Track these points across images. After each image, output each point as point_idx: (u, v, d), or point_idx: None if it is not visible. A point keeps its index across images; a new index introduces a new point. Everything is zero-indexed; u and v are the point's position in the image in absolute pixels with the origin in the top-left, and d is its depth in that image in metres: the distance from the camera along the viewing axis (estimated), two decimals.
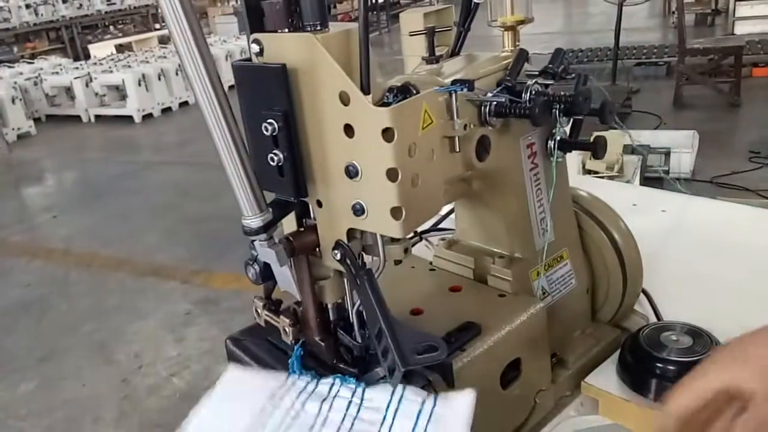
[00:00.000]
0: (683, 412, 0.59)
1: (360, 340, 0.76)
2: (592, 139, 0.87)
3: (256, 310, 0.81)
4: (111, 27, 14.34)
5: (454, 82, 0.74)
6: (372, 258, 0.72)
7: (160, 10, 0.57)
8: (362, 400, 0.70)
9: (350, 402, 0.70)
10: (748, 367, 0.57)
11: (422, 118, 0.64)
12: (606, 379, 0.89)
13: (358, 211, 0.66)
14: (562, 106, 0.81)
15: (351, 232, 0.70)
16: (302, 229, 0.74)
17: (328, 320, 0.77)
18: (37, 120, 8.65)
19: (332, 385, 0.73)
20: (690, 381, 0.60)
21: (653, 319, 1.05)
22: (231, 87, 0.70)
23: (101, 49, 11.80)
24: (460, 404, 0.67)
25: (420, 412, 0.67)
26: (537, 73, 0.85)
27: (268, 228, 0.67)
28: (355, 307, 0.75)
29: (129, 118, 8.28)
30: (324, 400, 0.71)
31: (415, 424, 0.66)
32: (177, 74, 8.52)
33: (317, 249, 0.73)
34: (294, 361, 0.77)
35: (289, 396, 0.72)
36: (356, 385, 0.72)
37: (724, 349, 0.61)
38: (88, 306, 3.81)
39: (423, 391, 0.70)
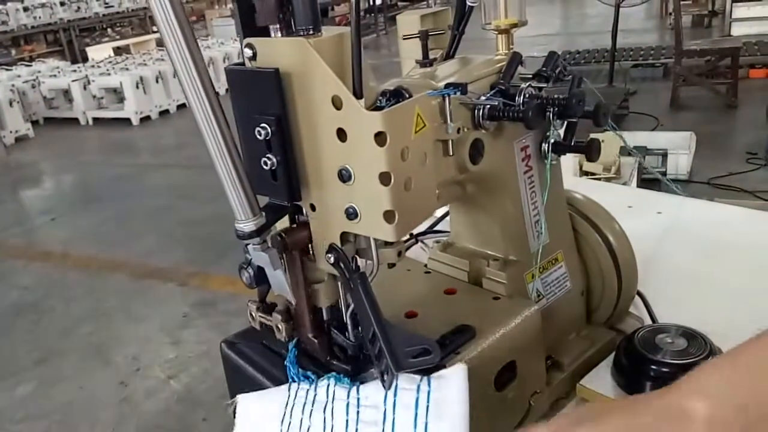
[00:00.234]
0: None
1: (354, 340, 0.76)
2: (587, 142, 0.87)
3: (251, 314, 0.81)
4: (109, 30, 14.32)
5: (447, 86, 0.74)
6: (366, 261, 0.72)
7: (151, 15, 0.57)
8: (358, 399, 0.70)
9: (348, 404, 0.71)
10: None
11: (415, 121, 0.64)
12: (601, 381, 0.90)
13: (351, 214, 0.66)
14: (556, 109, 0.81)
15: (344, 236, 0.70)
16: (294, 225, 0.74)
17: (322, 320, 0.77)
18: (34, 123, 8.65)
19: (328, 386, 0.73)
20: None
21: (648, 321, 1.06)
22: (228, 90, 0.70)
23: (99, 52, 11.82)
24: (455, 383, 0.67)
25: (417, 399, 0.67)
26: (531, 76, 0.86)
27: (261, 232, 0.67)
28: (349, 310, 0.75)
29: (127, 121, 8.28)
30: (325, 407, 0.71)
31: (416, 413, 0.66)
32: (175, 77, 8.44)
33: (310, 246, 0.73)
34: (290, 365, 0.77)
35: (296, 413, 0.73)
36: (350, 384, 0.72)
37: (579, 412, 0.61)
38: (85, 308, 3.81)
39: (415, 375, 0.69)
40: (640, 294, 1.07)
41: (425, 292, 0.95)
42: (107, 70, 9.03)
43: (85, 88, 8.60)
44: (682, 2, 6.78)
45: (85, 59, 11.72)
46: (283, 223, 0.75)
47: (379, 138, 0.61)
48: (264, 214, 0.67)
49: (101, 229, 5.04)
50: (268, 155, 0.66)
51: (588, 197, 1.02)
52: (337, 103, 0.62)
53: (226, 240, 3.90)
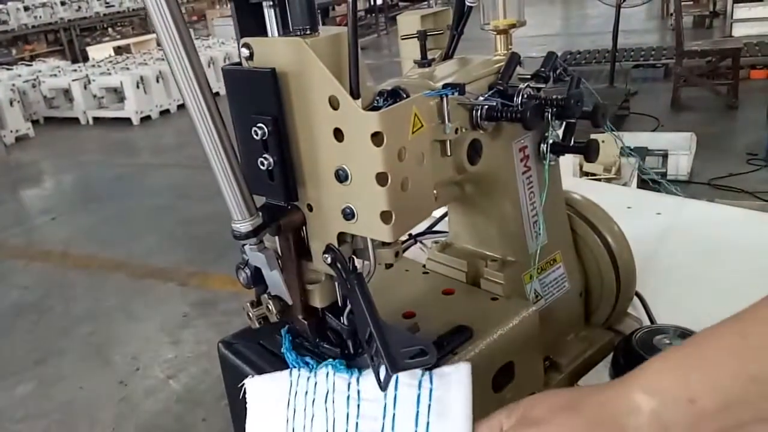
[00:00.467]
0: None
1: (347, 324, 0.75)
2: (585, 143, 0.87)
3: (248, 314, 0.81)
4: (109, 29, 14.33)
5: (445, 86, 0.74)
6: (363, 262, 0.72)
7: (148, 15, 0.57)
8: (359, 392, 0.70)
9: (348, 396, 0.70)
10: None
11: (412, 122, 0.64)
12: (599, 382, 0.89)
13: (348, 215, 0.66)
14: (554, 110, 0.81)
15: (341, 236, 0.69)
16: (288, 207, 0.73)
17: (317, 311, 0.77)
18: (35, 122, 8.66)
19: (327, 374, 0.73)
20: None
21: (647, 322, 1.05)
22: None
23: (100, 52, 11.83)
24: (458, 382, 0.66)
25: (419, 396, 0.67)
26: (529, 76, 0.85)
27: (258, 232, 0.66)
28: (346, 311, 0.74)
29: (127, 121, 8.28)
30: (326, 398, 0.71)
31: (417, 411, 0.66)
32: None
33: (303, 229, 0.72)
34: (287, 352, 0.77)
35: (299, 400, 0.73)
36: (349, 374, 0.72)
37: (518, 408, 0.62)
38: (85, 308, 3.81)
39: (416, 370, 0.69)
40: (638, 295, 1.07)
41: (423, 292, 0.95)
42: (108, 69, 9.04)
43: (85, 87, 8.60)
44: (683, 3, 6.78)
45: (85, 59, 11.73)
46: None
47: (376, 138, 0.61)
48: (260, 214, 0.67)
49: (101, 228, 5.05)
50: (264, 155, 0.66)
51: (587, 198, 1.02)
52: (333, 103, 0.62)
53: (226, 240, 3.85)
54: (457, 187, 0.87)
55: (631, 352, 0.87)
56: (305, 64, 0.63)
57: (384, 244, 0.70)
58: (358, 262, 0.72)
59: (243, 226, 0.66)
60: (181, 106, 8.62)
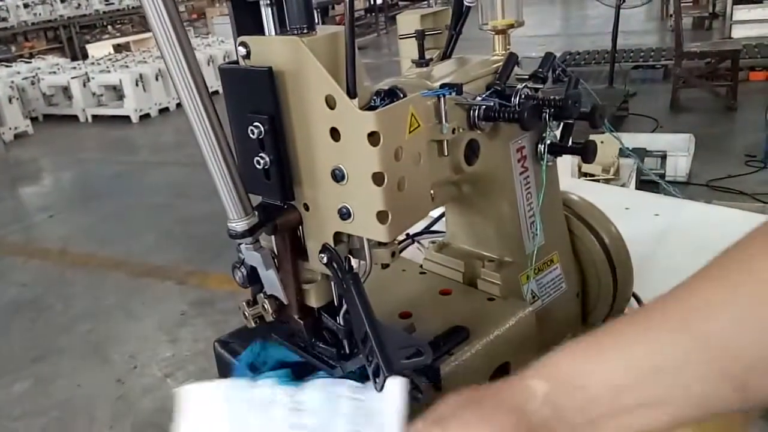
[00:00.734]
0: None
1: (343, 324, 0.75)
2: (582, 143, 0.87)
3: (244, 314, 0.81)
4: (109, 27, 14.31)
5: (442, 86, 0.74)
6: (359, 262, 0.72)
7: (144, 13, 0.57)
8: (300, 403, 0.70)
9: (286, 407, 0.70)
10: None
11: (409, 121, 0.64)
12: None
13: (345, 214, 0.66)
14: (552, 110, 0.81)
15: (338, 236, 0.69)
16: (285, 206, 0.73)
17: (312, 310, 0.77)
18: (34, 119, 8.64)
19: (270, 385, 0.73)
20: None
21: None
22: None
23: (99, 49, 11.82)
24: (391, 394, 0.66)
25: (355, 407, 0.67)
26: (527, 77, 0.85)
27: (253, 231, 0.66)
28: (342, 311, 0.74)
29: (126, 118, 8.27)
30: (265, 408, 0.71)
31: (351, 420, 0.66)
32: None
33: (300, 228, 0.72)
34: (239, 363, 0.78)
35: (235, 411, 0.73)
36: (293, 385, 0.72)
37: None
38: (83, 306, 3.80)
39: (355, 383, 0.70)
40: (635, 296, 1.06)
41: (420, 292, 0.95)
42: (107, 67, 9.03)
43: (84, 85, 8.59)
44: (682, 4, 6.77)
45: (85, 56, 11.72)
46: None
47: (373, 138, 0.61)
48: (256, 213, 0.67)
49: (100, 226, 5.04)
50: (261, 154, 0.66)
51: (584, 199, 1.02)
52: (330, 103, 0.62)
53: (224, 239, 3.81)
54: (454, 187, 0.87)
55: None
56: (302, 63, 0.62)
57: (380, 244, 0.70)
58: (354, 262, 0.72)
59: (239, 225, 0.66)
60: (181, 105, 8.60)
